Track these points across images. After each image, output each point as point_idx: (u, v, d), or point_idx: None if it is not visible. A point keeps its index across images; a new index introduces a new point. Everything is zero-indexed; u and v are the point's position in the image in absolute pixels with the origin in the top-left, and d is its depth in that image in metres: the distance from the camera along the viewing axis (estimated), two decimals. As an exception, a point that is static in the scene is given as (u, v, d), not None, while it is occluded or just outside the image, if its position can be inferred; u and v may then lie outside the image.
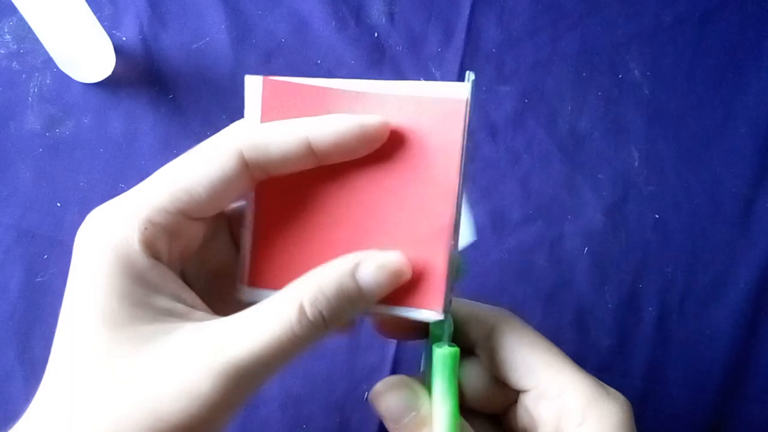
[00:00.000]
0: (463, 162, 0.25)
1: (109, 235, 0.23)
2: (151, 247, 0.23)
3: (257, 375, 0.22)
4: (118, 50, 0.49)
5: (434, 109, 0.25)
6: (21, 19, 0.49)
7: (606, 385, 0.29)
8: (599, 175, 0.49)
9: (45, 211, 0.46)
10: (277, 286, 0.25)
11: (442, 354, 0.28)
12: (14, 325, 0.44)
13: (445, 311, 0.26)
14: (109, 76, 0.49)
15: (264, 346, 0.22)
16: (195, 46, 0.50)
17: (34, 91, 0.49)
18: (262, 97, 0.26)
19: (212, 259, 0.28)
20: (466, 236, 0.26)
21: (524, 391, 0.29)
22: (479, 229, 0.48)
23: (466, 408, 0.31)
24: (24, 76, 0.49)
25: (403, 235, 0.26)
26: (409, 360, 0.45)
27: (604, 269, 0.47)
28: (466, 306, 0.31)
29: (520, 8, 0.52)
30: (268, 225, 0.27)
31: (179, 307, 0.23)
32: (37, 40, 0.45)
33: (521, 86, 0.50)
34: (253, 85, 0.26)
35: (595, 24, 0.52)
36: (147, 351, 0.22)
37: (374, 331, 0.32)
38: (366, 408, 0.45)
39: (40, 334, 0.44)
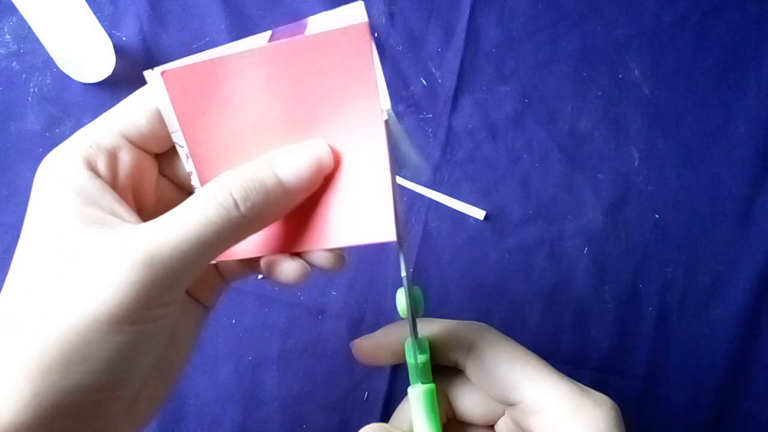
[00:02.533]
0: (379, 86, 0.24)
1: (57, 158, 0.25)
2: (90, 164, 0.25)
3: (177, 262, 0.22)
4: (118, 50, 0.49)
5: (337, 40, 0.24)
6: (21, 19, 0.49)
7: (591, 391, 0.29)
8: (599, 175, 0.49)
9: (45, 211, 0.46)
10: None
11: (417, 393, 0.28)
12: (14, 325, 0.44)
13: (399, 243, 0.26)
14: (109, 76, 0.49)
15: (177, 233, 0.22)
16: (195, 46, 0.50)
17: (34, 91, 0.49)
18: (168, 93, 0.26)
19: (167, 200, 0.29)
20: (411, 160, 0.26)
21: (511, 405, 0.29)
22: (479, 229, 0.48)
23: (458, 421, 0.32)
24: (24, 76, 0.49)
25: (344, 174, 0.25)
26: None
27: (604, 269, 0.47)
28: (440, 326, 0.31)
29: (520, 8, 0.52)
30: (206, 146, 0.27)
31: (111, 218, 0.24)
32: (37, 40, 0.45)
33: (521, 86, 0.50)
34: (154, 80, 0.26)
35: (595, 24, 0.52)
36: (73, 253, 0.23)
37: (356, 358, 0.32)
38: (366, 408, 0.45)
39: (40, 334, 0.44)
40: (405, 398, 0.32)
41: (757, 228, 0.48)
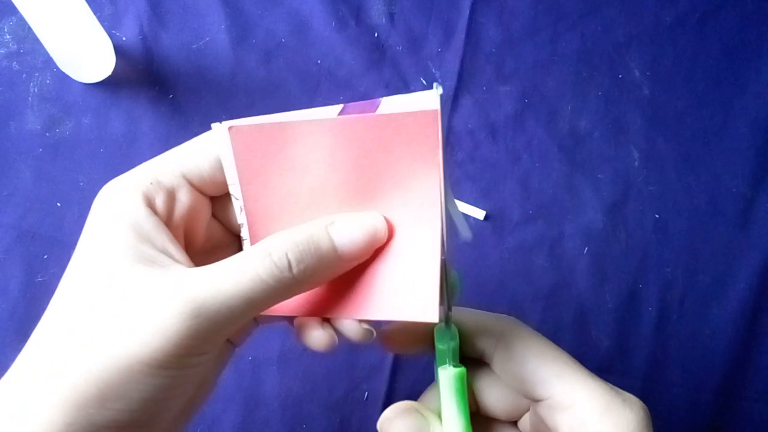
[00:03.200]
0: (444, 170, 0.25)
1: (117, 190, 0.26)
2: (149, 200, 0.25)
3: (224, 316, 0.23)
4: (118, 50, 0.49)
5: (407, 123, 0.25)
6: (21, 19, 0.49)
7: (620, 391, 0.28)
8: (599, 175, 0.49)
9: (45, 211, 0.46)
10: None
11: (447, 376, 0.28)
12: (14, 325, 0.44)
13: (442, 320, 0.26)
14: (109, 76, 0.49)
15: (228, 288, 0.23)
16: (195, 46, 0.50)
17: (34, 91, 0.49)
18: (233, 148, 0.27)
19: (216, 240, 0.29)
20: (463, 233, 0.27)
21: (537, 401, 0.29)
22: (479, 229, 0.48)
23: (482, 415, 0.31)
24: (24, 76, 0.49)
25: (394, 249, 0.26)
26: (409, 360, 0.45)
27: (604, 269, 0.47)
28: (471, 316, 0.31)
29: (520, 8, 0.52)
30: (262, 203, 0.27)
31: (163, 258, 0.24)
32: (37, 40, 0.45)
33: (521, 86, 0.50)
34: (220, 133, 0.27)
35: (595, 24, 0.52)
36: (122, 290, 0.23)
37: (381, 346, 0.32)
38: (366, 408, 0.45)
39: (40, 334, 0.44)
40: (433, 383, 0.31)
41: (757, 228, 0.48)
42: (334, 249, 0.25)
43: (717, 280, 0.47)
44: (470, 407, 0.31)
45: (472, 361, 0.31)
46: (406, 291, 0.26)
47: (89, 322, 0.23)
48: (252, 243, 0.28)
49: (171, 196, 0.26)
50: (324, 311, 0.27)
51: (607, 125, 0.50)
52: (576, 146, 0.49)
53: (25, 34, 0.49)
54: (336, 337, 0.27)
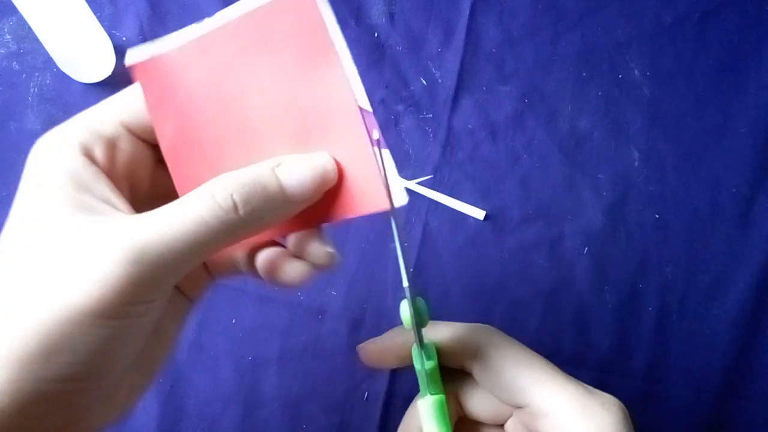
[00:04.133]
0: (340, 45, 0.24)
1: (54, 140, 0.25)
2: (87, 150, 0.25)
3: (166, 261, 0.22)
4: (118, 50, 0.49)
5: (287, 6, 0.24)
6: (21, 19, 0.49)
7: (597, 392, 0.28)
8: (599, 175, 0.49)
9: (45, 211, 0.46)
10: None
11: (426, 405, 0.28)
12: (14, 325, 0.44)
13: (393, 207, 0.25)
14: (109, 76, 0.49)
15: (169, 231, 0.22)
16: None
17: (34, 91, 0.49)
18: (139, 84, 0.26)
19: (162, 187, 0.29)
20: (398, 197, 0.25)
21: (518, 408, 0.29)
22: (479, 229, 0.48)
23: (468, 420, 0.32)
24: (24, 76, 0.49)
25: (320, 140, 0.25)
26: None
27: (604, 269, 0.47)
28: (447, 330, 0.31)
29: (520, 8, 0.52)
30: (187, 163, 0.27)
31: (103, 206, 0.24)
32: (37, 40, 0.45)
33: (521, 86, 0.50)
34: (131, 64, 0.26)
35: (595, 24, 0.52)
36: (62, 241, 0.22)
37: (361, 363, 0.32)
38: (366, 408, 0.45)
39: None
40: (412, 404, 0.32)
41: (757, 228, 0.48)
42: (282, 190, 0.24)
43: (717, 280, 0.47)
44: (457, 412, 0.31)
45: (456, 369, 0.31)
46: (356, 188, 0.25)
47: (28, 275, 0.22)
48: (179, 190, 0.27)
49: (111, 146, 0.26)
50: (288, 228, 0.26)
51: (607, 125, 0.50)
52: (576, 146, 0.49)
53: (25, 34, 0.49)
54: (310, 266, 0.26)
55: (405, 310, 0.28)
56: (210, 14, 0.53)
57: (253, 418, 0.44)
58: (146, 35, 0.50)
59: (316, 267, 0.27)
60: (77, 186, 0.24)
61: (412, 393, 0.45)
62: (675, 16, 0.52)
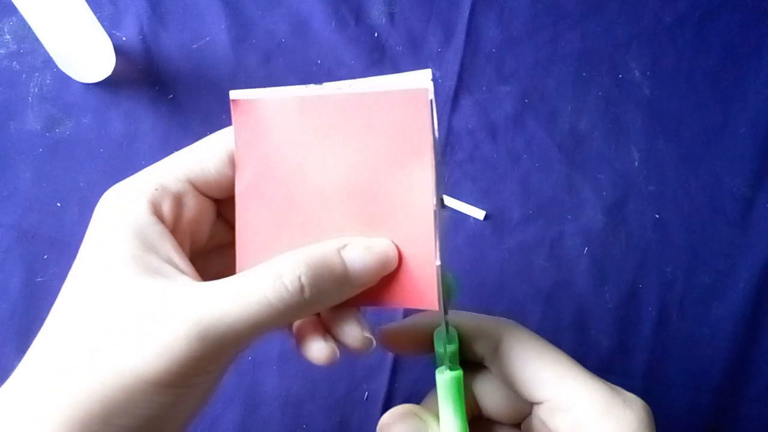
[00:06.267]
0: (435, 149, 0.25)
1: (122, 196, 0.25)
2: (155, 207, 0.25)
3: (230, 339, 0.22)
4: (118, 50, 0.49)
5: (398, 100, 0.24)
6: (21, 19, 0.49)
7: (621, 391, 0.28)
8: (599, 175, 0.49)
9: (45, 211, 0.46)
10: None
11: (443, 379, 0.28)
12: (14, 325, 0.44)
13: (442, 311, 0.26)
14: (109, 76, 0.49)
15: (235, 311, 0.22)
16: (195, 46, 0.50)
17: (34, 91, 0.49)
18: (233, 120, 0.26)
19: (219, 239, 0.29)
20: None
21: (538, 403, 0.29)
22: (479, 229, 0.48)
23: (484, 419, 0.31)
24: (24, 76, 0.49)
25: (387, 227, 0.26)
26: (409, 360, 0.45)
27: (604, 269, 0.47)
28: (470, 319, 0.30)
29: (520, 8, 0.52)
30: (254, 211, 0.27)
31: (167, 268, 0.24)
32: (37, 40, 0.45)
33: (521, 86, 0.50)
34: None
35: (595, 24, 0.52)
36: (127, 304, 0.23)
37: (381, 346, 0.32)
38: (366, 408, 0.45)
39: (40, 334, 0.44)
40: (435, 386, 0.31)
41: (757, 228, 0.48)
42: (347, 274, 0.24)
43: (717, 280, 0.47)
44: (473, 410, 0.31)
45: (473, 364, 0.31)
46: (409, 281, 0.26)
47: (92, 336, 0.22)
48: (238, 237, 0.27)
49: (177, 202, 0.26)
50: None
51: (607, 125, 0.50)
52: (576, 146, 0.49)
53: (25, 34, 0.49)
54: (337, 348, 0.26)
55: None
56: (209, 15, 0.54)
57: (253, 418, 0.44)
58: (146, 35, 0.50)
59: (349, 349, 0.27)
60: (143, 245, 0.24)
61: (412, 392, 0.45)
62: (675, 16, 0.52)
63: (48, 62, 0.49)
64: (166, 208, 0.25)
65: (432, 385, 0.30)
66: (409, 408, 0.29)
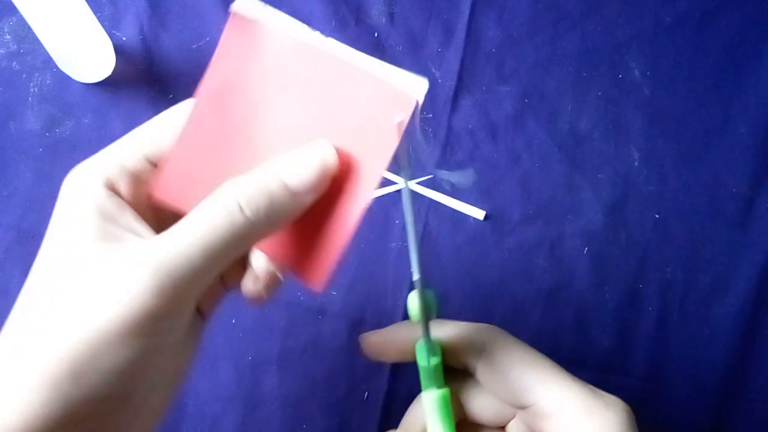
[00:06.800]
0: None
1: (80, 175, 0.26)
2: (111, 184, 0.26)
3: (184, 270, 0.23)
4: (118, 50, 0.49)
5: (387, 93, 0.24)
6: (21, 19, 0.49)
7: (602, 393, 0.28)
8: (599, 175, 0.49)
9: (45, 211, 0.46)
10: None
11: (431, 399, 0.28)
12: (14, 325, 0.44)
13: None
14: (109, 76, 0.49)
15: (184, 242, 0.23)
16: (195, 46, 0.50)
17: (34, 91, 0.49)
18: (226, 28, 0.26)
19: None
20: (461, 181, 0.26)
21: (522, 408, 0.29)
22: (479, 229, 0.48)
23: (468, 422, 0.31)
24: (24, 76, 0.49)
25: (337, 132, 0.26)
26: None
27: (604, 269, 0.47)
28: (452, 329, 0.31)
29: (520, 8, 0.52)
30: (200, 132, 0.27)
31: (128, 235, 0.25)
32: (37, 40, 0.45)
33: (521, 86, 0.50)
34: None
35: (595, 24, 0.52)
36: (87, 266, 0.23)
37: (363, 354, 0.32)
38: (366, 408, 0.45)
39: (40, 334, 0.44)
40: (415, 400, 0.32)
41: (757, 228, 0.48)
42: (285, 186, 0.24)
43: (717, 280, 0.47)
44: (458, 414, 0.31)
45: (457, 369, 0.31)
46: (308, 254, 0.26)
47: (57, 300, 0.23)
48: (170, 163, 0.27)
49: (136, 179, 0.27)
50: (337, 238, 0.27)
51: (607, 125, 0.50)
52: (576, 146, 0.49)
53: (25, 34, 0.49)
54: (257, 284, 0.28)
55: (413, 301, 0.27)
56: (209, 15, 0.54)
57: (253, 418, 0.44)
58: (146, 35, 0.50)
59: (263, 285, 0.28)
60: (103, 217, 0.25)
61: (412, 392, 0.45)
62: (675, 16, 0.52)
63: (48, 62, 0.49)
64: (123, 185, 0.26)
65: (400, 401, 0.31)
66: None
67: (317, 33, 0.25)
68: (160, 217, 0.28)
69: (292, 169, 0.25)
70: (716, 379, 0.46)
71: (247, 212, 0.23)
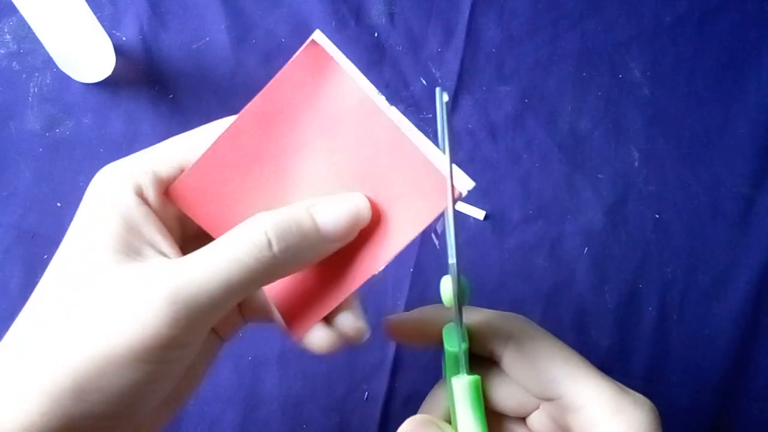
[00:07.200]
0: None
1: (110, 177, 0.25)
2: (141, 191, 0.25)
3: (201, 302, 0.22)
4: (118, 50, 0.49)
5: (434, 179, 0.26)
6: (21, 19, 0.49)
7: (630, 391, 0.28)
8: (599, 175, 0.49)
9: (45, 211, 0.46)
10: None
11: (463, 385, 0.27)
12: (14, 325, 0.44)
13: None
14: (109, 76, 0.49)
15: (204, 272, 0.22)
16: (195, 46, 0.50)
17: (34, 91, 0.49)
18: (296, 58, 0.26)
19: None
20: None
21: (548, 401, 0.29)
22: (479, 229, 0.48)
23: (489, 411, 0.31)
24: (24, 76, 0.49)
25: (371, 179, 0.26)
26: (409, 360, 0.45)
27: (604, 269, 0.47)
28: (480, 315, 0.30)
29: (520, 8, 0.52)
30: (232, 158, 0.27)
31: (149, 250, 0.24)
32: (37, 40, 0.45)
33: (521, 86, 0.50)
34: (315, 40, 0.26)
35: (595, 24, 0.52)
36: (103, 282, 0.23)
37: (387, 336, 0.32)
38: (366, 408, 0.45)
39: (40, 334, 0.44)
40: (437, 385, 0.31)
41: (757, 228, 0.48)
42: (317, 229, 0.24)
43: (717, 280, 0.47)
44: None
45: (480, 357, 0.30)
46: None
47: (68, 314, 0.22)
48: (193, 173, 0.26)
49: (166, 189, 0.26)
50: (342, 289, 0.27)
51: (607, 125, 0.50)
52: (576, 146, 0.49)
53: (25, 34, 0.49)
54: (336, 336, 0.26)
55: (447, 286, 0.27)
56: (209, 15, 0.54)
57: (253, 418, 0.44)
58: (146, 35, 0.50)
59: (343, 338, 0.27)
60: (127, 226, 0.24)
61: (412, 392, 0.45)
62: (675, 16, 0.52)
63: (48, 62, 0.49)
64: (152, 193, 0.25)
65: (430, 382, 0.30)
66: (427, 418, 0.28)
67: (383, 97, 0.25)
68: (186, 230, 0.27)
69: (328, 213, 0.24)
70: (716, 379, 0.46)
71: (275, 249, 0.23)
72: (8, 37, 0.50)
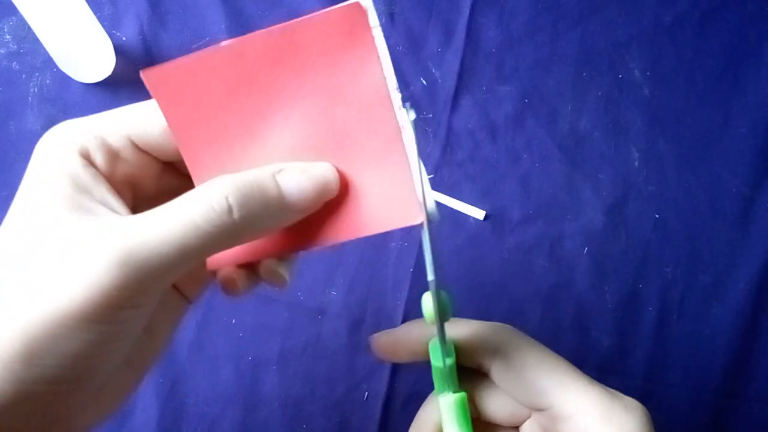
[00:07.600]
0: (388, 71, 0.23)
1: (57, 139, 0.25)
2: (88, 153, 0.24)
3: (153, 265, 0.21)
4: (118, 50, 0.49)
5: (336, 24, 0.23)
6: (21, 19, 0.49)
7: (620, 396, 0.28)
8: (599, 175, 0.49)
9: (45, 211, 0.46)
10: None
11: (448, 403, 0.27)
12: (14, 325, 0.44)
13: (429, 220, 0.25)
14: (109, 76, 0.49)
15: (157, 234, 0.21)
16: (195, 46, 0.50)
17: (34, 91, 0.49)
18: (152, 92, 0.25)
19: (168, 186, 0.28)
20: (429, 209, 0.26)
21: (538, 411, 0.29)
22: (479, 229, 0.48)
23: (482, 421, 0.31)
24: (24, 76, 0.49)
25: (351, 159, 0.25)
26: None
27: (604, 269, 0.47)
28: (466, 328, 0.30)
29: (520, 8, 0.52)
30: (197, 146, 0.26)
31: (100, 208, 0.23)
32: (37, 40, 0.45)
33: (521, 86, 0.50)
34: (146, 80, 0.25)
35: (595, 24, 0.52)
36: (53, 241, 0.22)
37: (374, 355, 0.32)
38: (366, 408, 0.45)
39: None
40: (428, 399, 0.31)
41: (757, 228, 0.48)
42: (281, 197, 0.23)
43: (717, 280, 0.47)
44: (471, 414, 0.31)
45: (470, 369, 0.30)
46: (383, 202, 0.25)
47: (18, 275, 0.22)
48: (194, 178, 0.26)
49: (113, 155, 0.25)
50: (291, 245, 0.26)
51: (607, 125, 0.50)
52: (576, 146, 0.49)
53: (25, 34, 0.49)
54: (246, 280, 0.26)
55: (428, 303, 0.27)
56: (209, 15, 0.54)
57: (253, 418, 0.44)
58: (146, 35, 0.50)
59: (266, 281, 0.26)
60: (76, 186, 0.23)
61: (412, 392, 0.45)
62: (675, 16, 0.52)
63: (48, 62, 0.48)
64: (99, 158, 0.25)
65: (430, 382, 0.30)
66: None
67: (400, 95, 0.24)
68: (138, 194, 0.27)
69: (295, 181, 0.23)
70: (716, 379, 0.46)
71: (236, 215, 0.22)
72: (8, 37, 0.50)
